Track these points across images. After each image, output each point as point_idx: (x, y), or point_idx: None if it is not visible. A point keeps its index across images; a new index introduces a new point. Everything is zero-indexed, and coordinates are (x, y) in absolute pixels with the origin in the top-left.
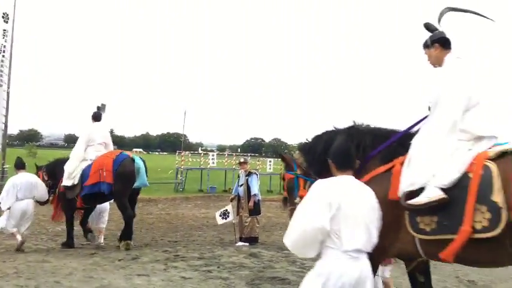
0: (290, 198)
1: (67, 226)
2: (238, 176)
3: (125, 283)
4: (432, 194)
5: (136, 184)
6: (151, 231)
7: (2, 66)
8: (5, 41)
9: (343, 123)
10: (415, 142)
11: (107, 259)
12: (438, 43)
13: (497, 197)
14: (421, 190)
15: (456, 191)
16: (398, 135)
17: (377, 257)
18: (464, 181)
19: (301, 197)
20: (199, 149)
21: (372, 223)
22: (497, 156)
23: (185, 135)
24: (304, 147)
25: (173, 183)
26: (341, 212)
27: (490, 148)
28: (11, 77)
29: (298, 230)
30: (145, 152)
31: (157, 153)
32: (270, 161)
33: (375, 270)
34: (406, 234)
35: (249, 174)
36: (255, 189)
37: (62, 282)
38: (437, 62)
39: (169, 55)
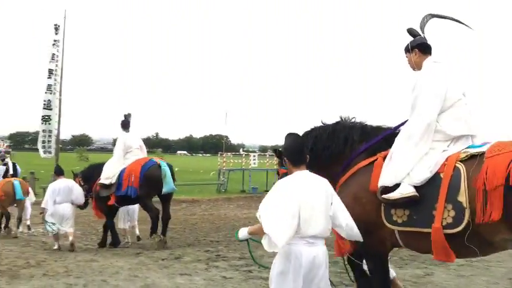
0: None
1: (108, 226)
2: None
3: (168, 282)
4: (405, 190)
5: (164, 190)
6: (194, 232)
7: (55, 74)
8: (57, 51)
9: (331, 119)
10: (396, 141)
11: (151, 258)
12: (418, 48)
13: (462, 197)
14: (396, 185)
15: (427, 189)
16: (385, 132)
17: (379, 245)
18: (436, 180)
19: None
20: (241, 150)
21: (328, 211)
22: (467, 158)
23: (227, 137)
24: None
25: (216, 184)
26: (301, 205)
27: (464, 149)
28: (63, 85)
29: (273, 214)
30: (189, 154)
31: (200, 154)
32: None
33: (380, 257)
34: (384, 224)
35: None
36: None
37: (108, 281)
38: (416, 66)
39: (211, 57)
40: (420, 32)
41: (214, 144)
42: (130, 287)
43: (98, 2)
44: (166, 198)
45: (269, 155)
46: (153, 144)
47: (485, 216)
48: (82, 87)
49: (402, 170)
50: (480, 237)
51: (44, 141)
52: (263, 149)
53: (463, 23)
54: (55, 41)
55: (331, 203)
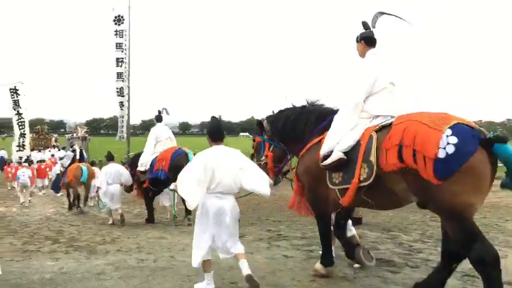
0: (257, 156)
1: (146, 205)
2: None
3: (231, 259)
4: (335, 155)
5: None
6: (257, 211)
7: (124, 62)
8: (124, 40)
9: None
10: (334, 119)
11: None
12: (364, 40)
13: (373, 157)
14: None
15: (351, 154)
16: (333, 115)
17: (326, 204)
18: (357, 147)
19: (266, 157)
20: None
21: (237, 174)
22: (379, 129)
23: None
24: (270, 119)
25: None
26: (213, 169)
27: (380, 123)
28: (131, 73)
29: (186, 182)
30: (251, 136)
31: None
32: None
33: (327, 213)
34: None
35: None
36: None
37: (175, 257)
38: (361, 55)
39: (272, 39)
40: (371, 26)
41: None
42: None
43: None
44: None
45: None
46: None
47: (387, 167)
48: (149, 74)
49: (334, 140)
50: (386, 187)
51: (121, 127)
52: None
53: (403, 19)
54: (117, 31)
55: (240, 168)
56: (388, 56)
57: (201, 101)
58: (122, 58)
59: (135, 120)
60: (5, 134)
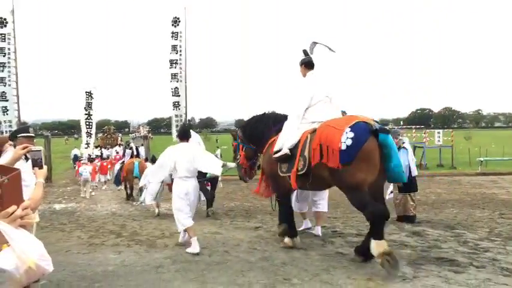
0: (234, 156)
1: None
2: None
3: (285, 255)
4: (282, 151)
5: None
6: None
7: (179, 64)
8: (180, 41)
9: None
10: (284, 124)
11: (269, 233)
12: (304, 64)
13: (306, 152)
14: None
15: (294, 150)
16: (284, 120)
17: (283, 188)
18: (298, 145)
19: (242, 157)
20: None
21: (193, 161)
22: (313, 131)
23: (344, 112)
24: (241, 126)
25: None
26: (177, 158)
27: (314, 127)
28: (187, 73)
29: (159, 171)
30: None
31: None
32: (438, 133)
33: (284, 194)
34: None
35: (399, 148)
36: (403, 165)
37: (230, 252)
38: (303, 76)
39: (329, 29)
40: (309, 53)
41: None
42: (249, 258)
43: None
44: (212, 182)
45: (390, 128)
46: None
47: (314, 160)
48: (206, 74)
49: (283, 139)
50: (316, 175)
51: (176, 126)
52: (384, 122)
53: (330, 48)
54: (173, 33)
55: (194, 156)
56: (327, 73)
57: (255, 99)
58: (177, 60)
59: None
60: (78, 135)
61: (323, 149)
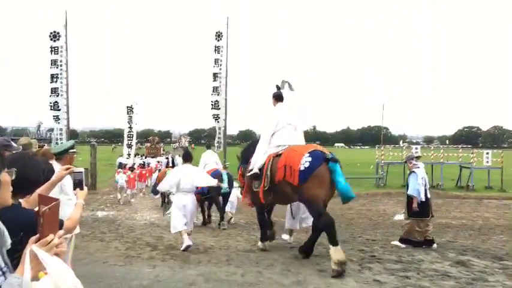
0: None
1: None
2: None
3: (319, 280)
4: (253, 171)
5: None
6: (350, 228)
7: (220, 77)
8: (221, 56)
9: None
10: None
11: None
12: (275, 97)
13: (268, 171)
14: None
15: (261, 170)
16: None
17: (257, 200)
18: (264, 166)
19: (239, 175)
20: (401, 142)
21: (193, 180)
22: (276, 155)
23: (386, 128)
24: (241, 151)
25: (374, 178)
26: (180, 178)
27: (279, 151)
28: (228, 86)
29: (167, 184)
30: (346, 147)
31: (358, 147)
32: (487, 153)
33: (260, 206)
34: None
35: (410, 172)
36: (410, 189)
37: (263, 273)
38: (273, 106)
39: (364, 50)
40: (280, 88)
41: (373, 136)
42: (283, 281)
43: (259, 7)
44: (224, 196)
45: (434, 147)
46: (311, 137)
47: (278, 177)
48: (245, 87)
49: (255, 161)
50: (280, 191)
51: (219, 137)
52: (428, 140)
53: (290, 87)
54: (216, 47)
55: (193, 174)
56: (292, 105)
57: (294, 112)
58: (218, 73)
59: (232, 131)
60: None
61: (286, 168)
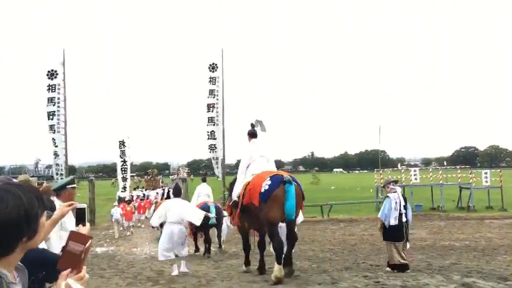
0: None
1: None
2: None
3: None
4: (233, 198)
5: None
6: (353, 253)
7: (216, 108)
8: (216, 86)
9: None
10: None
11: (308, 282)
12: (249, 135)
13: (242, 196)
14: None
15: (239, 197)
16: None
17: (240, 227)
18: (242, 192)
19: (227, 206)
20: (399, 165)
21: (181, 213)
22: (248, 182)
23: (384, 151)
24: (230, 183)
25: (374, 203)
26: (167, 211)
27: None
28: (225, 116)
29: (156, 217)
30: (345, 172)
31: (357, 171)
32: (485, 173)
33: (245, 233)
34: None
35: (385, 197)
36: (380, 212)
37: None
38: (248, 142)
39: (360, 70)
40: (255, 125)
41: (371, 160)
42: None
43: (251, 39)
44: (216, 227)
45: (433, 168)
46: (309, 163)
47: (246, 199)
48: (242, 115)
49: (234, 191)
50: (250, 213)
51: (215, 167)
52: (426, 162)
53: (262, 127)
54: (211, 78)
55: (182, 208)
56: (264, 140)
57: (293, 139)
58: (214, 103)
59: (231, 160)
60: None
61: (252, 191)
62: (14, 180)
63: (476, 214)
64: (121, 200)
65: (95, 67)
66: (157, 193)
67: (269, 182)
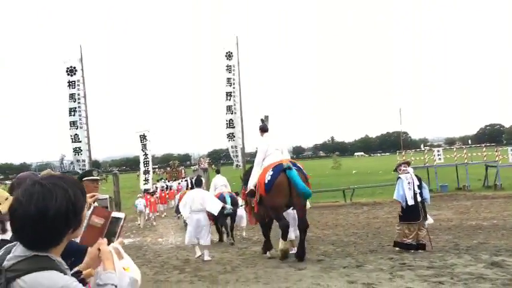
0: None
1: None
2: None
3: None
4: (249, 188)
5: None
6: (378, 236)
7: (233, 96)
8: (233, 75)
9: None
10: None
11: (333, 266)
12: (261, 130)
13: (258, 187)
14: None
15: (255, 187)
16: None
17: (257, 215)
18: (257, 184)
19: (243, 193)
20: (422, 145)
21: (203, 202)
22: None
23: (406, 133)
24: (243, 173)
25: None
26: (191, 200)
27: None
28: (243, 105)
29: (182, 207)
30: (366, 155)
31: (378, 154)
32: (511, 150)
33: (263, 221)
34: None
35: (397, 178)
36: (394, 194)
37: None
38: (261, 136)
39: (381, 54)
40: (266, 123)
41: (392, 142)
42: None
43: (269, 24)
44: (231, 216)
45: (457, 148)
46: (330, 148)
47: (259, 192)
48: (260, 103)
49: (251, 181)
50: (264, 202)
51: (233, 156)
52: (450, 142)
53: (264, 119)
54: (228, 66)
55: (203, 198)
56: (277, 134)
57: (312, 125)
58: (231, 92)
59: (250, 148)
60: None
61: (260, 183)
62: (39, 175)
63: (503, 192)
64: (145, 191)
65: (113, 62)
66: (179, 183)
67: (271, 173)
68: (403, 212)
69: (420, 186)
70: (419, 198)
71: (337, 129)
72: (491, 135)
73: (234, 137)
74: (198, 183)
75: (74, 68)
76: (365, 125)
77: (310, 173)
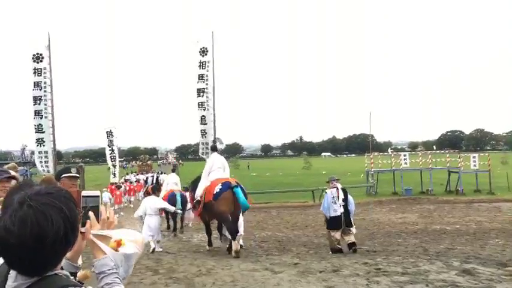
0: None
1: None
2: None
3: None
4: (197, 197)
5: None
6: None
7: (206, 93)
8: (207, 71)
9: None
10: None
11: (309, 270)
12: (211, 149)
13: (203, 197)
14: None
15: (201, 197)
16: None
17: (203, 217)
18: (202, 194)
19: (190, 198)
20: (389, 149)
21: (155, 206)
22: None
23: (372, 136)
24: (192, 181)
25: (365, 187)
26: (147, 206)
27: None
28: (215, 101)
29: (140, 212)
30: (333, 156)
31: (345, 155)
32: (474, 157)
33: (206, 222)
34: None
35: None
36: (321, 207)
37: None
38: (211, 154)
39: (350, 57)
40: (217, 143)
41: (359, 144)
42: None
43: (243, 22)
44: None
45: (422, 153)
46: (298, 147)
47: (206, 200)
48: (233, 101)
49: (197, 191)
50: (208, 209)
51: (203, 153)
52: (413, 146)
53: (221, 143)
54: (201, 62)
55: (155, 203)
56: (221, 155)
57: (281, 124)
58: (204, 88)
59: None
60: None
61: (209, 192)
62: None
63: (464, 197)
64: (112, 184)
65: (81, 51)
66: (147, 177)
67: (220, 187)
68: (327, 221)
69: (346, 200)
70: (342, 210)
71: (306, 129)
72: (452, 141)
73: (206, 133)
74: (154, 189)
75: (41, 55)
76: (333, 126)
77: (280, 173)
